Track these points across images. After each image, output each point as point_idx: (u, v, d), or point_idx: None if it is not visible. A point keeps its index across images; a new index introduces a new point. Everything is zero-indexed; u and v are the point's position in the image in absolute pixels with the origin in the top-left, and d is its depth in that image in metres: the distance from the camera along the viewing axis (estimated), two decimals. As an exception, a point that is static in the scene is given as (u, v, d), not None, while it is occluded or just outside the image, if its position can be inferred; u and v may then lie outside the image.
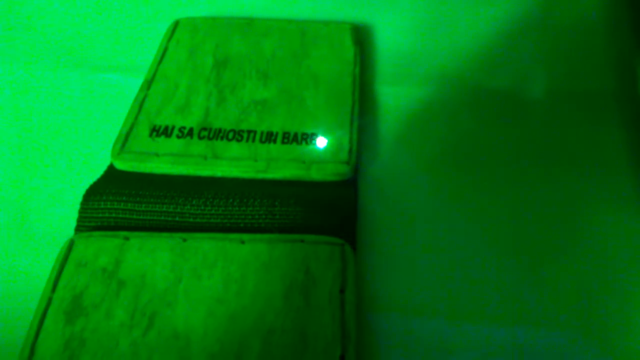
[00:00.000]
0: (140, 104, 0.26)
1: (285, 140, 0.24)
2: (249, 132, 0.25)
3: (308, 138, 0.24)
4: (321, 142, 0.24)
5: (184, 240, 0.21)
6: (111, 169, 0.24)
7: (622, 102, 0.27)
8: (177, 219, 0.22)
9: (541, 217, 0.23)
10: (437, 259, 0.22)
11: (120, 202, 0.22)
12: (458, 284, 0.21)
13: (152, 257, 0.21)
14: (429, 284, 0.21)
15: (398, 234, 0.23)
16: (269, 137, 0.24)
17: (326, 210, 0.22)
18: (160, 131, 0.25)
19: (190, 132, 0.25)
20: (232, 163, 0.24)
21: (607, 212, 0.23)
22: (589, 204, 0.24)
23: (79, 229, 0.22)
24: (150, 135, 0.25)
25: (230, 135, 0.25)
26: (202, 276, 0.20)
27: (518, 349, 0.20)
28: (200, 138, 0.24)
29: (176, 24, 0.31)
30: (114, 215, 0.22)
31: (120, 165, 0.24)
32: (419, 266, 0.22)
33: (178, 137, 0.25)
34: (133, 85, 0.27)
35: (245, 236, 0.21)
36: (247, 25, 0.30)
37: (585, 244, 0.22)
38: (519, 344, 0.20)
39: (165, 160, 0.24)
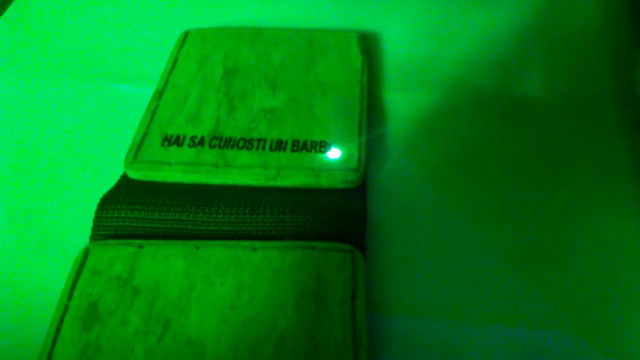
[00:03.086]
0: (152, 114, 0.26)
1: (295, 148, 0.25)
2: (259, 140, 0.25)
3: (317, 146, 0.25)
4: (334, 153, 0.24)
5: (197, 248, 0.21)
6: (124, 178, 0.25)
7: (622, 105, 0.27)
8: (189, 227, 0.22)
9: (545, 221, 0.23)
10: (444, 263, 0.22)
11: (134, 210, 0.23)
12: (466, 287, 0.22)
13: (165, 264, 0.21)
14: (437, 287, 0.22)
15: (406, 239, 0.23)
16: (279, 145, 0.25)
17: (336, 217, 0.23)
18: (172, 140, 0.25)
19: (202, 141, 0.25)
20: (243, 171, 0.24)
21: (609, 214, 0.24)
22: (591, 207, 0.24)
23: (93, 237, 0.23)
24: (162, 144, 0.25)
25: (241, 143, 0.25)
26: (214, 283, 0.20)
27: (526, 351, 0.20)
28: (211, 147, 0.25)
29: (186, 35, 0.31)
30: (127, 223, 0.23)
31: (133, 175, 0.24)
32: (428, 270, 0.22)
33: (189, 146, 0.25)
34: (144, 95, 0.28)
35: (257, 243, 0.21)
36: (256, 35, 0.31)
37: (587, 247, 0.23)
38: (526, 346, 0.20)
39: (177, 169, 0.24)
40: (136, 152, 0.25)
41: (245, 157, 0.24)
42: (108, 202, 0.23)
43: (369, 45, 0.31)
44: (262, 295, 0.20)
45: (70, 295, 0.20)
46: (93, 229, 0.23)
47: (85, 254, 0.21)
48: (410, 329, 0.21)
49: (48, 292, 0.21)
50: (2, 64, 0.32)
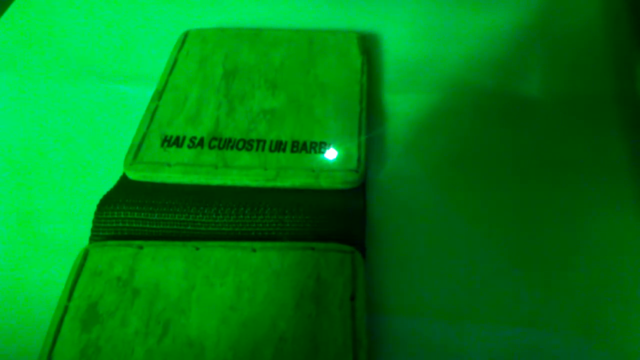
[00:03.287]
0: (151, 115, 0.26)
1: (295, 149, 0.25)
2: (259, 141, 0.25)
3: (317, 146, 0.25)
4: (331, 154, 0.24)
5: (197, 248, 0.21)
6: (124, 179, 0.25)
7: (622, 105, 0.27)
8: (189, 227, 0.22)
9: (545, 221, 0.23)
10: (444, 263, 0.22)
11: (134, 211, 0.23)
12: (466, 287, 0.22)
13: (165, 265, 0.21)
14: (437, 287, 0.22)
15: (406, 239, 0.23)
16: (279, 146, 0.25)
17: (336, 218, 0.23)
18: (172, 141, 0.25)
19: (201, 142, 0.25)
20: (243, 172, 0.24)
21: (608, 214, 0.24)
22: (591, 206, 0.24)
23: (93, 238, 0.23)
24: (162, 145, 0.25)
25: (240, 144, 0.25)
26: (214, 284, 0.20)
27: (526, 351, 0.20)
28: (210, 148, 0.25)
29: (186, 35, 0.31)
30: (127, 224, 0.23)
31: (133, 175, 0.24)
32: (427, 270, 0.22)
33: (189, 147, 0.25)
34: (144, 95, 0.28)
35: (257, 244, 0.21)
36: (256, 35, 0.31)
37: (587, 247, 0.23)
38: (526, 346, 0.20)
39: (176, 170, 0.24)
40: (136, 153, 0.25)
41: (245, 157, 0.24)
42: (107, 203, 0.23)
43: (368, 46, 0.31)
44: (261, 296, 0.20)
45: (70, 296, 0.20)
46: (92, 230, 0.23)
47: (85, 255, 0.22)
48: (410, 329, 0.21)
49: (48, 292, 0.21)
50: (2, 64, 0.32)
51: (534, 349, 0.20)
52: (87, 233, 0.23)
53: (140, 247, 0.22)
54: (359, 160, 0.24)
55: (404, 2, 0.34)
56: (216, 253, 0.21)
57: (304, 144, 0.25)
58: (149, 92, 0.28)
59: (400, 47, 0.31)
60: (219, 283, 0.20)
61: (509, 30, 0.31)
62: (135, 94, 0.29)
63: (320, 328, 0.19)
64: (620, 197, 0.24)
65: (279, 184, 0.24)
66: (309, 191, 0.24)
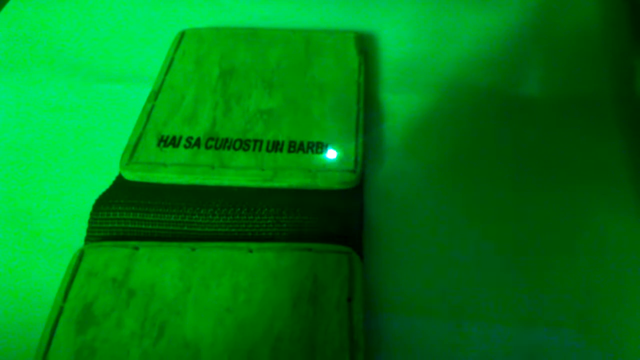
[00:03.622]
0: (147, 115, 0.26)
1: (292, 149, 0.25)
2: (256, 141, 0.25)
3: (314, 147, 0.25)
4: (329, 154, 0.24)
5: (193, 249, 0.21)
6: (120, 179, 0.24)
7: (621, 105, 0.27)
8: (185, 228, 0.22)
9: (543, 221, 0.23)
10: (443, 263, 0.22)
11: (129, 212, 0.22)
12: (463, 287, 0.22)
13: (161, 266, 0.21)
14: (434, 287, 0.22)
15: (404, 239, 0.23)
16: (275, 146, 0.25)
17: (333, 219, 0.22)
18: (168, 141, 0.25)
19: (198, 142, 0.25)
20: (239, 172, 0.24)
21: (607, 214, 0.24)
22: (590, 206, 0.24)
23: (88, 239, 0.23)
24: (158, 145, 0.25)
25: (237, 144, 0.25)
26: (210, 285, 0.20)
27: (524, 349, 0.20)
28: (207, 148, 0.25)
29: (182, 35, 0.31)
30: (123, 225, 0.22)
31: (129, 176, 0.24)
32: (426, 270, 0.22)
33: (185, 147, 0.25)
34: (140, 95, 0.28)
35: (253, 245, 0.21)
36: (252, 35, 0.31)
37: (585, 246, 0.23)
38: (524, 345, 0.20)
39: (173, 170, 0.24)
40: (132, 153, 0.25)
41: (242, 158, 0.24)
42: (103, 203, 0.23)
43: (365, 46, 0.31)
44: (258, 297, 0.20)
45: (65, 297, 0.20)
46: (88, 231, 0.23)
47: (80, 255, 0.21)
48: (409, 329, 0.20)
49: (43, 293, 0.21)
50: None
51: (532, 348, 0.20)
52: (82, 233, 0.23)
53: (136, 248, 0.21)
54: (356, 160, 0.24)
55: (402, 2, 0.34)
56: (212, 254, 0.21)
57: (301, 144, 0.25)
58: (146, 91, 0.28)
59: (397, 47, 0.31)
60: (215, 284, 0.20)
61: (506, 30, 0.31)
62: (132, 93, 0.29)
63: (317, 329, 0.19)
64: (618, 197, 0.24)
65: (276, 184, 0.24)
66: (306, 191, 0.24)
